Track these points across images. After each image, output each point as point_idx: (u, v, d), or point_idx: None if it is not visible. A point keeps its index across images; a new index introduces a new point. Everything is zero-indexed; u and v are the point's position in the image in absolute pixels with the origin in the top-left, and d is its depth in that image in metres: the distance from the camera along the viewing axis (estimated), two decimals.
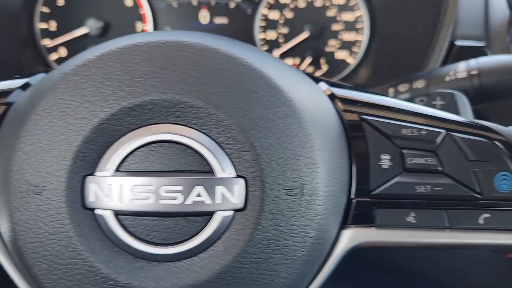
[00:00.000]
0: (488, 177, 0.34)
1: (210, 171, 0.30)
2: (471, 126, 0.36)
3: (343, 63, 0.81)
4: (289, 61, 0.81)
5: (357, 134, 0.35)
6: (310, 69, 0.81)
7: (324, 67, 0.81)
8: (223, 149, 0.30)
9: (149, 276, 0.30)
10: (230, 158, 0.30)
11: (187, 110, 0.30)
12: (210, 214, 0.30)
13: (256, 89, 0.31)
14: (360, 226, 0.35)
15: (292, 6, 0.79)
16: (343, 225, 0.35)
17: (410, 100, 0.52)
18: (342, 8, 0.79)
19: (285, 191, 0.31)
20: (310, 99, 0.34)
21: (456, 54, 0.61)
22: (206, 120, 0.30)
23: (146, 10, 0.79)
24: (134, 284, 0.30)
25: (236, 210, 0.30)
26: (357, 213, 0.35)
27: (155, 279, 0.30)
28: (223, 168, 0.30)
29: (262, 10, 0.80)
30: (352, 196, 0.35)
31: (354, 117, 0.36)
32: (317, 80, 0.38)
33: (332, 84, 0.38)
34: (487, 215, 0.34)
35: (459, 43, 0.61)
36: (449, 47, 0.61)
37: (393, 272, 0.58)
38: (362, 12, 0.79)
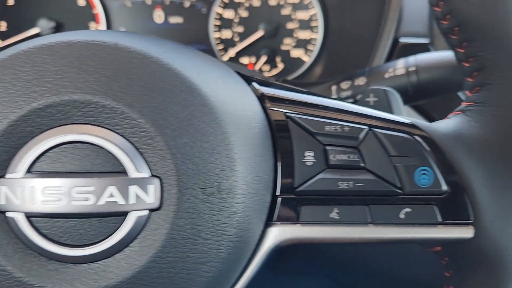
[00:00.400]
0: (408, 172, 0.35)
1: (124, 171, 0.30)
2: (393, 122, 0.36)
3: (298, 61, 0.81)
4: (245, 59, 0.81)
5: (282, 131, 0.35)
6: (266, 68, 0.82)
7: (280, 66, 0.82)
8: (137, 148, 0.30)
9: (63, 279, 0.30)
10: (144, 158, 0.30)
11: (99, 110, 0.30)
12: (124, 215, 0.30)
13: (171, 87, 0.31)
14: (286, 223, 0.35)
15: (247, 5, 0.79)
16: (269, 223, 0.35)
17: (352, 97, 0.53)
18: (297, 6, 0.79)
19: (201, 190, 0.31)
20: (232, 97, 0.34)
21: (400, 51, 0.62)
22: (119, 120, 0.30)
23: (99, 9, 0.78)
24: (48, 287, 0.29)
25: (151, 210, 0.30)
26: (282, 210, 0.35)
27: (70, 281, 0.30)
28: (137, 168, 0.30)
29: (217, 9, 0.79)
30: (278, 193, 0.35)
31: (280, 115, 0.36)
32: (249, 79, 0.38)
33: (264, 83, 0.38)
34: (407, 209, 0.35)
35: (403, 40, 0.62)
36: (394, 44, 0.62)
37: (330, 266, 0.59)
38: (316, 10, 0.79)
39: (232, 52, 0.80)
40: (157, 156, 0.30)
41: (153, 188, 0.30)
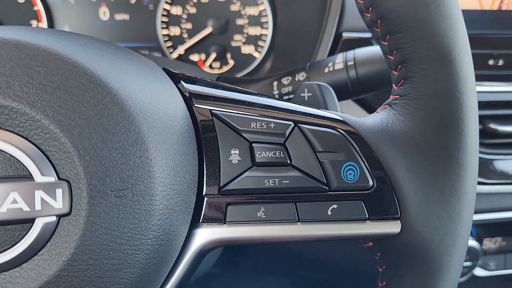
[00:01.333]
0: (335, 168, 0.34)
1: (29, 176, 0.28)
2: (320, 117, 0.35)
3: (250, 58, 0.80)
4: (195, 57, 0.80)
5: (207, 129, 0.34)
6: (216, 65, 0.80)
7: (231, 62, 0.80)
8: (42, 151, 0.28)
9: None
10: (50, 161, 0.28)
11: None
12: (30, 222, 0.28)
13: (78, 85, 0.29)
14: (213, 224, 0.34)
15: (195, 0, 0.78)
16: (195, 224, 0.34)
17: (293, 92, 0.52)
18: (246, 2, 0.78)
19: (113, 192, 0.29)
20: (150, 96, 0.32)
21: (343, 45, 0.61)
22: (20, 121, 0.28)
23: (40, 6, 0.76)
24: None
25: (60, 216, 0.29)
26: (208, 211, 0.34)
27: None
28: (43, 172, 0.28)
29: (164, 5, 0.77)
30: (204, 193, 0.34)
31: (206, 112, 0.35)
32: (177, 77, 0.37)
33: (191, 81, 0.37)
34: (335, 206, 0.34)
35: (346, 34, 0.61)
36: (338, 39, 0.62)
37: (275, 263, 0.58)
38: (265, 6, 0.78)
39: (181, 49, 0.79)
40: (64, 159, 0.28)
41: (61, 192, 0.28)
